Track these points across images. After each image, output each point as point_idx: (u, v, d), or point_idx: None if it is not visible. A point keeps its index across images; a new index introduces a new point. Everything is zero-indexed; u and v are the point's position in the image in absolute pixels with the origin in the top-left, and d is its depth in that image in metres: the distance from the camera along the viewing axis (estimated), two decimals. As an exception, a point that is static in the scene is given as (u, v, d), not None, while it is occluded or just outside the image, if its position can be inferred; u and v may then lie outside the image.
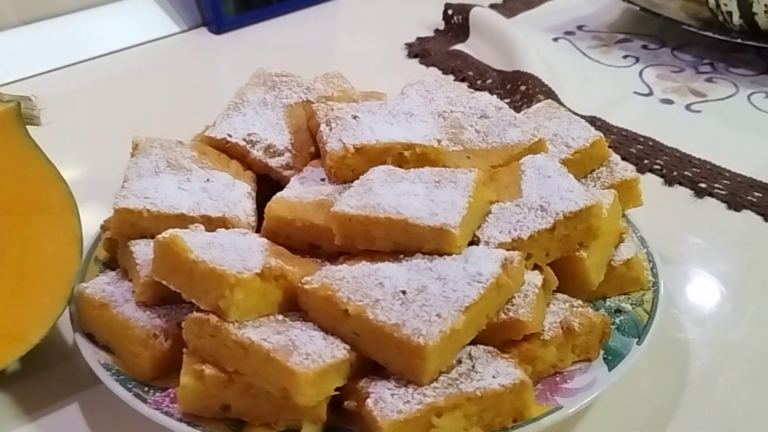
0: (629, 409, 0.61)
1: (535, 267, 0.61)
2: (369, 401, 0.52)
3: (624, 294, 0.66)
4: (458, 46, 1.20)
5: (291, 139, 0.72)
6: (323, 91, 0.76)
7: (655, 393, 0.63)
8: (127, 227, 0.63)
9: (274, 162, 0.71)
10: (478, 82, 1.10)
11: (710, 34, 1.08)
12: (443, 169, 0.64)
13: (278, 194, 0.66)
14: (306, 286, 0.56)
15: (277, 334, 0.53)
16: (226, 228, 0.62)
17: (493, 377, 0.53)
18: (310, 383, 0.51)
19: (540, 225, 0.61)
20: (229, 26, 1.26)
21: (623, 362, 0.59)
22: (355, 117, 0.70)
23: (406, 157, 0.67)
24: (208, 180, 0.67)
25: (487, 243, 0.60)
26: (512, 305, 0.57)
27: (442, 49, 1.20)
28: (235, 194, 0.66)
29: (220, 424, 0.54)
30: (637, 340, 0.61)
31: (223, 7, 1.26)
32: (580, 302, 0.62)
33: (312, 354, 0.52)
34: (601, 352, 0.60)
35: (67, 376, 0.62)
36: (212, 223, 0.63)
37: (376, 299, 0.54)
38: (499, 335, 0.57)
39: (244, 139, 0.71)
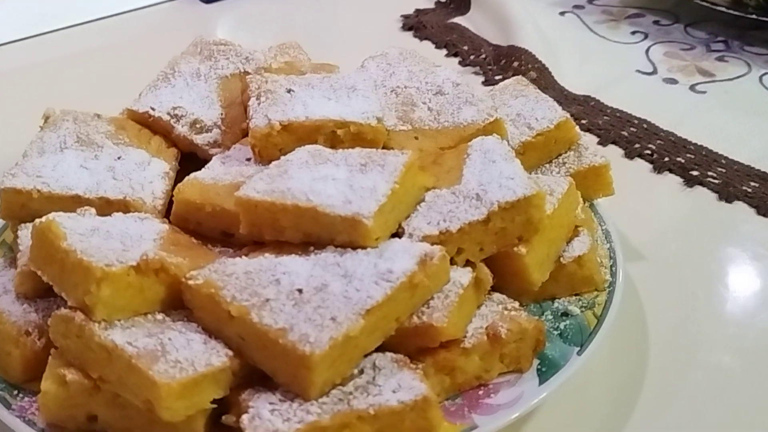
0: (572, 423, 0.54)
1: (468, 263, 0.54)
2: (244, 418, 0.45)
3: (576, 295, 0.58)
4: (457, 19, 1.12)
5: (222, 114, 0.66)
6: (263, 61, 0.69)
7: (607, 406, 0.55)
8: (17, 209, 0.57)
9: (200, 139, 0.64)
10: (471, 57, 1.02)
11: (724, 8, 0.98)
12: (374, 150, 0.57)
13: (192, 175, 0.59)
14: (189, 282, 0.49)
15: (147, 337, 0.47)
16: (127, 212, 0.56)
17: (393, 392, 0.46)
18: (175, 395, 0.44)
19: (472, 216, 0.53)
20: (219, -4, 1.20)
21: (557, 375, 0.51)
22: (289, 91, 0.62)
23: (340, 136, 0.60)
24: (119, 158, 0.60)
25: (411, 236, 0.53)
26: (428, 307, 0.50)
27: (440, 21, 1.11)
28: (147, 174, 0.60)
29: (83, 441, 0.48)
30: (578, 349, 0.53)
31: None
32: (515, 305, 0.54)
33: (182, 361, 0.45)
34: (536, 362, 0.52)
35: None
36: (111, 206, 0.56)
37: (266, 299, 0.47)
38: (412, 341, 0.49)
39: (169, 113, 0.65)
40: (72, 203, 0.56)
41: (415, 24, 1.10)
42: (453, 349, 0.50)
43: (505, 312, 0.53)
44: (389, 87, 0.68)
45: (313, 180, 0.53)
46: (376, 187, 0.52)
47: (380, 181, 0.53)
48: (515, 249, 0.54)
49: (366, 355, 0.48)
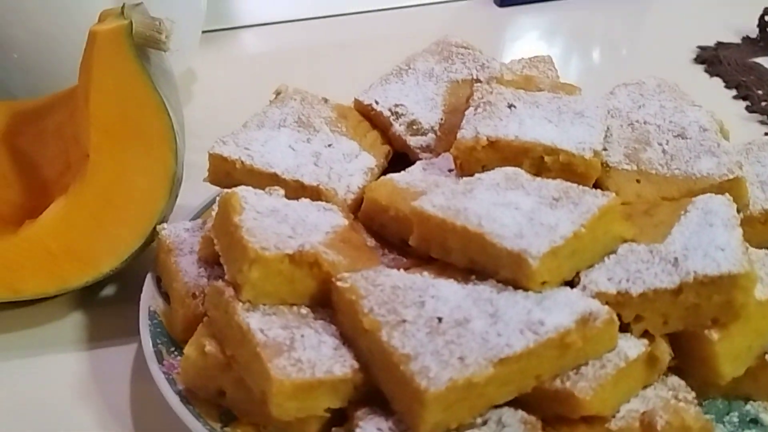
0: None
1: (645, 334, 0.47)
2: (350, 438, 0.43)
3: (777, 401, 0.49)
4: (760, 59, 1.00)
5: (441, 119, 0.63)
6: (498, 71, 0.65)
7: None
8: (222, 175, 0.59)
9: (413, 141, 0.63)
10: (763, 103, 0.90)
11: None
12: (574, 186, 0.52)
13: (389, 175, 0.58)
14: (337, 283, 0.47)
15: (281, 329, 0.46)
16: (317, 199, 0.56)
17: (509, 456, 0.41)
18: (287, 394, 0.43)
19: (661, 282, 0.46)
20: (514, 1, 1.17)
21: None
22: (510, 106, 0.59)
23: (548, 163, 0.55)
24: (329, 145, 0.61)
25: (584, 288, 0.47)
26: (577, 373, 0.44)
27: (740, 59, 1.00)
28: (350, 167, 0.59)
29: (212, 410, 0.49)
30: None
31: (509, -20, 1.17)
32: (688, 396, 0.46)
33: (304, 362, 0.44)
34: (698, 469, 0.45)
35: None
36: (304, 191, 0.57)
37: (402, 320, 0.44)
38: (550, 406, 0.44)
39: (390, 110, 0.64)
40: (269, 180, 0.57)
41: (711, 58, 1.00)
42: (595, 427, 0.44)
43: (673, 401, 0.45)
44: (628, 120, 0.61)
45: (493, 205, 0.49)
46: (557, 226, 0.47)
47: (565, 221, 0.48)
48: (706, 332, 0.46)
49: (494, 407, 0.44)
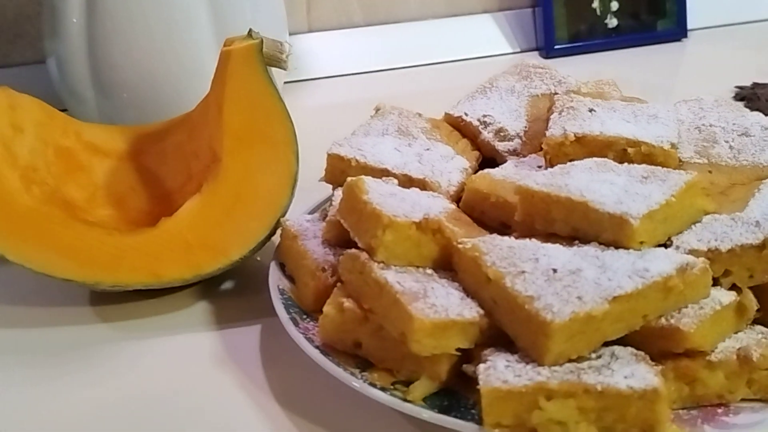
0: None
1: (733, 287, 0.53)
2: (480, 366, 0.49)
3: None
4: (797, 95, 1.08)
5: (525, 127, 0.71)
6: (574, 85, 0.73)
7: None
8: (338, 174, 0.66)
9: (501, 146, 0.70)
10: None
11: None
12: (659, 167, 0.59)
13: (486, 170, 0.65)
14: (459, 246, 0.54)
15: (415, 282, 0.53)
16: (424, 190, 0.63)
17: (625, 377, 0.47)
18: (426, 332, 0.50)
19: (746, 239, 0.53)
20: (558, 52, 1.27)
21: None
22: (591, 110, 0.66)
23: (630, 155, 0.62)
24: (428, 149, 0.68)
25: (678, 248, 0.54)
26: (679, 313, 0.50)
27: (776, 94, 1.08)
28: (449, 166, 0.67)
29: (350, 360, 0.55)
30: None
31: (556, 33, 1.27)
32: (773, 334, 0.52)
33: (438, 306, 0.51)
34: (789, 397, 0.50)
35: (264, 298, 0.66)
36: (412, 183, 0.64)
37: (522, 270, 0.51)
38: (657, 343, 0.50)
39: (478, 120, 0.72)
40: (381, 175, 0.64)
41: (749, 95, 1.08)
42: (697, 360, 0.50)
43: (764, 340, 0.51)
44: (695, 125, 0.69)
45: (591, 181, 0.56)
46: (651, 195, 0.54)
47: (657, 192, 0.55)
48: (788, 283, 0.53)
49: (607, 345, 0.50)
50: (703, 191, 0.57)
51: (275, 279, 0.64)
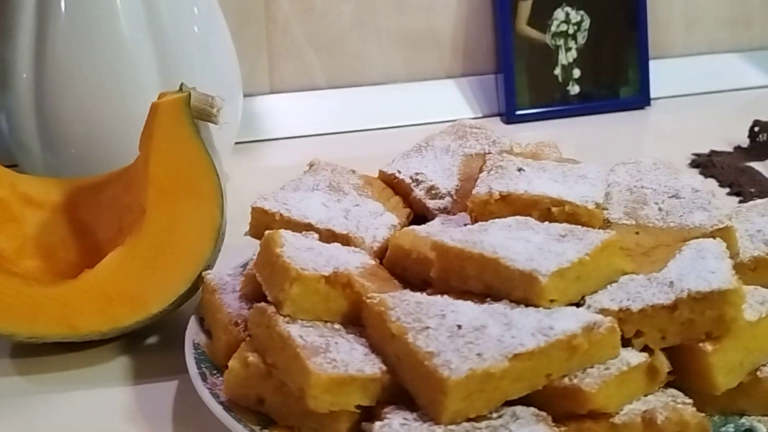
0: None
1: (646, 349, 0.52)
2: (376, 424, 0.47)
3: (769, 416, 0.53)
4: (752, 163, 1.08)
5: (457, 185, 0.71)
6: (508, 145, 0.73)
7: None
8: (263, 228, 0.65)
9: (432, 203, 0.70)
10: (755, 198, 0.97)
11: None
12: (580, 227, 0.58)
13: (411, 227, 0.65)
14: (368, 300, 0.53)
15: (319, 337, 0.52)
16: (347, 245, 0.62)
17: (522, 440, 0.46)
18: (323, 387, 0.48)
19: (658, 299, 0.52)
20: (520, 118, 1.27)
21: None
22: (520, 170, 0.66)
23: (554, 214, 0.62)
24: (357, 205, 0.68)
25: (589, 307, 0.53)
26: (584, 373, 0.49)
27: (732, 163, 1.08)
28: (376, 222, 0.66)
29: (253, 417, 0.53)
30: (749, 464, 0.48)
31: (517, 99, 1.27)
32: (686, 400, 0.51)
33: (339, 361, 0.49)
34: (699, 466, 0.49)
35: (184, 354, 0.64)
36: (335, 238, 0.63)
37: (426, 326, 0.50)
38: (560, 403, 0.49)
39: (411, 177, 0.71)
40: (305, 229, 0.63)
41: (705, 162, 1.08)
42: (601, 422, 0.48)
43: (672, 403, 0.50)
44: (627, 186, 0.68)
45: (507, 238, 0.56)
46: (564, 253, 0.54)
47: (571, 250, 0.54)
48: (701, 345, 0.52)
49: (509, 404, 0.48)
50: (621, 251, 0.56)
51: (192, 333, 0.62)
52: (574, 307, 0.52)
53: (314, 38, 1.27)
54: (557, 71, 1.29)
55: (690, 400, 0.51)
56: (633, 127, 1.28)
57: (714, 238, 0.59)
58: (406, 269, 0.62)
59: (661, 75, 1.34)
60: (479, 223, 0.59)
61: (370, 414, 0.50)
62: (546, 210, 0.62)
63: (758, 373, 0.53)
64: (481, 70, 1.32)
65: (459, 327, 0.50)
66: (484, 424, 0.47)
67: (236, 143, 1.03)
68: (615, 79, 1.31)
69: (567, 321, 0.50)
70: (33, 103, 0.89)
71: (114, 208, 0.75)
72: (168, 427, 0.59)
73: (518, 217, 0.60)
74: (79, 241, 0.75)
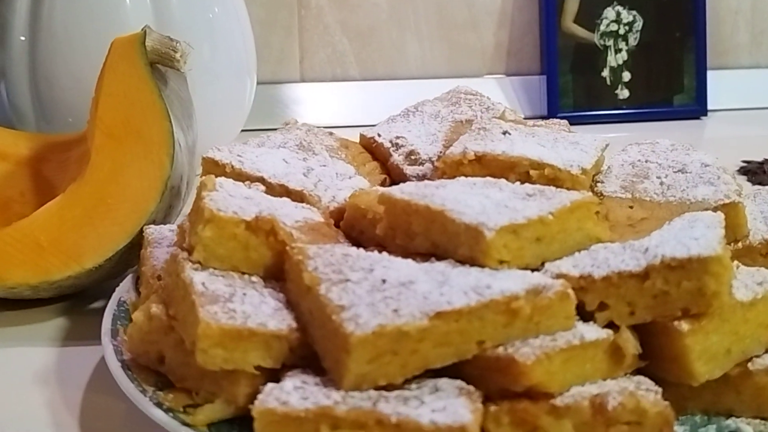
0: None
1: (612, 327, 0.43)
2: (268, 385, 0.40)
3: (762, 418, 0.43)
4: (810, 174, 0.97)
5: (440, 152, 0.63)
6: (500, 112, 0.65)
7: None
8: (213, 181, 0.59)
9: (411, 170, 0.62)
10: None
11: None
12: (552, 188, 0.50)
13: (375, 187, 0.57)
14: (288, 249, 0.46)
15: (226, 286, 0.45)
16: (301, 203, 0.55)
17: (432, 411, 0.38)
18: (212, 339, 0.41)
19: (626, 266, 0.43)
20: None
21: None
22: (505, 132, 0.58)
23: (533, 178, 0.54)
24: (323, 165, 0.61)
25: (546, 272, 0.44)
26: (523, 343, 0.41)
27: (787, 172, 0.97)
28: (342, 184, 0.59)
29: (150, 378, 0.46)
30: (723, 471, 0.39)
31: (561, 100, 1.19)
32: (652, 387, 0.41)
33: (238, 313, 0.42)
34: (660, 466, 0.39)
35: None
36: (290, 195, 0.56)
37: (345, 279, 0.42)
38: (494, 378, 0.40)
39: (391, 141, 0.64)
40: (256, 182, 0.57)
41: (755, 168, 0.98)
42: (539, 403, 0.40)
43: (632, 388, 0.41)
44: (631, 161, 0.60)
45: (462, 192, 0.48)
46: (523, 210, 0.45)
47: (533, 208, 0.46)
48: (675, 323, 0.42)
49: (435, 376, 0.40)
50: (595, 216, 0.48)
51: (122, 290, 0.56)
52: (528, 272, 0.44)
53: (348, 26, 1.21)
54: (605, 73, 1.20)
55: (657, 388, 0.41)
56: (684, 137, 1.18)
57: (720, 215, 0.50)
58: (362, 232, 0.54)
59: (723, 86, 1.24)
60: (441, 180, 0.52)
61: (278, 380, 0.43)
62: (525, 174, 0.54)
63: (749, 365, 0.43)
64: (526, 69, 1.24)
65: (383, 281, 0.42)
66: (394, 393, 0.39)
67: (260, 130, 0.97)
68: (669, 85, 1.22)
69: (510, 282, 0.41)
70: (28, 67, 0.86)
71: (79, 165, 0.70)
72: (78, 392, 0.53)
73: (489, 178, 0.52)
74: (40, 196, 0.70)
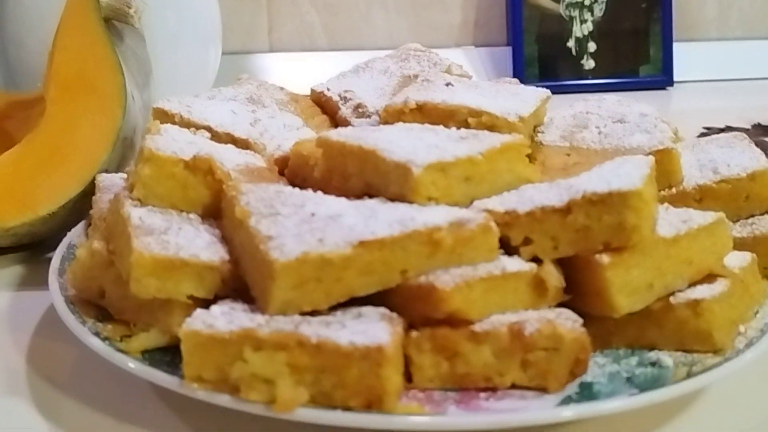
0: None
1: (535, 260, 0.45)
2: (195, 312, 0.41)
3: (683, 351, 0.45)
4: (768, 140, 0.99)
5: (387, 105, 0.64)
6: (447, 67, 0.67)
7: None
8: (162, 131, 0.60)
9: (357, 122, 0.63)
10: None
11: None
12: (486, 132, 0.51)
13: (321, 134, 0.58)
14: (224, 186, 0.47)
15: (162, 221, 0.46)
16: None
17: (352, 333, 0.39)
18: (147, 268, 0.42)
19: (549, 201, 0.45)
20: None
21: (586, 405, 0.39)
22: (448, 84, 0.60)
23: (472, 126, 0.55)
24: (271, 117, 0.62)
25: (472, 208, 0.46)
26: (445, 272, 0.42)
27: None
28: (289, 135, 0.60)
29: (91, 311, 0.48)
30: (636, 391, 0.40)
31: (526, 70, 1.20)
32: (573, 316, 0.43)
33: (171, 244, 0.44)
34: (575, 389, 0.41)
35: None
36: (235, 143, 0.58)
37: (276, 213, 0.44)
38: (416, 306, 0.42)
39: (339, 95, 0.65)
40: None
41: (715, 134, 0.99)
42: (459, 330, 0.41)
43: (552, 317, 0.42)
44: (571, 113, 0.61)
45: (396, 135, 0.49)
46: (453, 150, 0.47)
47: (463, 148, 0.47)
48: (596, 257, 0.44)
49: (358, 304, 0.42)
50: (525, 158, 0.49)
51: (73, 234, 0.57)
52: (454, 207, 0.45)
53: (317, -3, 1.22)
54: (571, 44, 1.21)
55: (577, 318, 0.43)
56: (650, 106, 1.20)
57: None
58: (305, 180, 0.55)
59: (690, 58, 1.25)
60: (379, 125, 0.53)
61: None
62: (464, 122, 0.55)
63: (671, 299, 0.45)
64: (492, 40, 1.26)
65: (312, 215, 0.43)
66: (317, 319, 0.40)
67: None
68: (634, 56, 1.23)
69: (435, 215, 0.43)
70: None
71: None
72: (28, 335, 0.54)
73: (426, 125, 0.53)
74: (2, 151, 0.71)
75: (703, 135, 1.00)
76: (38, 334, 0.55)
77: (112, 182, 0.59)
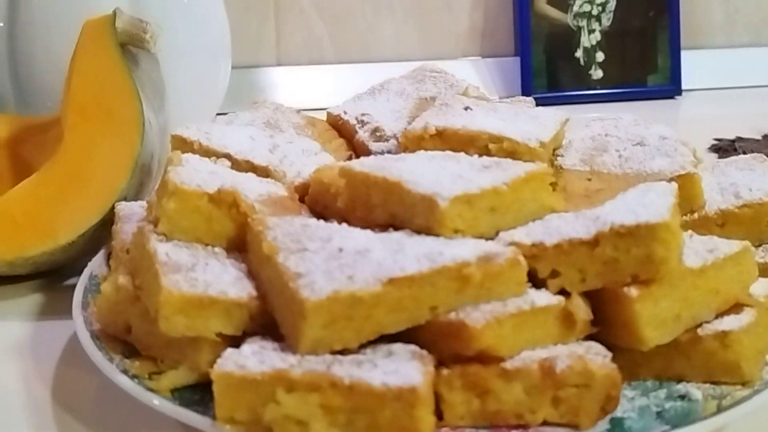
0: None
1: (563, 292, 0.45)
2: (226, 352, 0.41)
3: (712, 383, 0.45)
4: (779, 151, 0.99)
5: (404, 128, 0.64)
6: (464, 89, 0.67)
7: None
8: (182, 158, 0.60)
9: (375, 146, 0.63)
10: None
11: None
12: (509, 160, 0.51)
13: (341, 162, 0.58)
14: (249, 220, 0.47)
15: (189, 256, 0.46)
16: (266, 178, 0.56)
17: (384, 374, 0.39)
18: (175, 306, 0.42)
19: (576, 233, 0.45)
20: (537, 102, 1.19)
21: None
22: (467, 108, 0.59)
23: (492, 151, 0.55)
24: (290, 142, 0.62)
25: (499, 240, 0.46)
26: (475, 309, 0.42)
27: (757, 150, 0.99)
28: (308, 160, 0.60)
29: (118, 347, 0.48)
30: (668, 428, 0.40)
31: (535, 81, 1.20)
32: (602, 351, 0.43)
33: (200, 281, 0.44)
34: (604, 426, 0.41)
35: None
36: (255, 170, 0.57)
37: (304, 248, 0.44)
38: (446, 342, 0.42)
39: (356, 118, 0.65)
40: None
41: (726, 146, 0.99)
42: (490, 367, 0.41)
43: (581, 352, 0.42)
44: (589, 135, 0.61)
45: (420, 165, 0.49)
46: (478, 180, 0.47)
47: (488, 179, 0.47)
48: (625, 290, 0.44)
49: (388, 341, 0.42)
50: (549, 187, 0.49)
51: (94, 264, 0.57)
52: (481, 240, 0.45)
53: (324, 9, 1.22)
54: (579, 54, 1.21)
55: (607, 353, 0.43)
56: (658, 117, 1.19)
57: (675, 186, 0.52)
58: (326, 207, 0.55)
59: (698, 65, 1.25)
60: (402, 154, 0.53)
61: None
62: (484, 148, 0.55)
63: (699, 330, 0.45)
64: (500, 51, 1.26)
65: (340, 250, 0.43)
66: (349, 358, 0.40)
67: (218, 114, 0.98)
68: (643, 65, 1.23)
69: (462, 249, 0.43)
70: (7, 52, 0.86)
71: (56, 145, 0.71)
72: (51, 365, 0.54)
73: (449, 152, 0.53)
74: (18, 177, 0.70)
75: (714, 147, 1.00)
76: (61, 364, 0.55)
77: (131, 211, 0.59)
